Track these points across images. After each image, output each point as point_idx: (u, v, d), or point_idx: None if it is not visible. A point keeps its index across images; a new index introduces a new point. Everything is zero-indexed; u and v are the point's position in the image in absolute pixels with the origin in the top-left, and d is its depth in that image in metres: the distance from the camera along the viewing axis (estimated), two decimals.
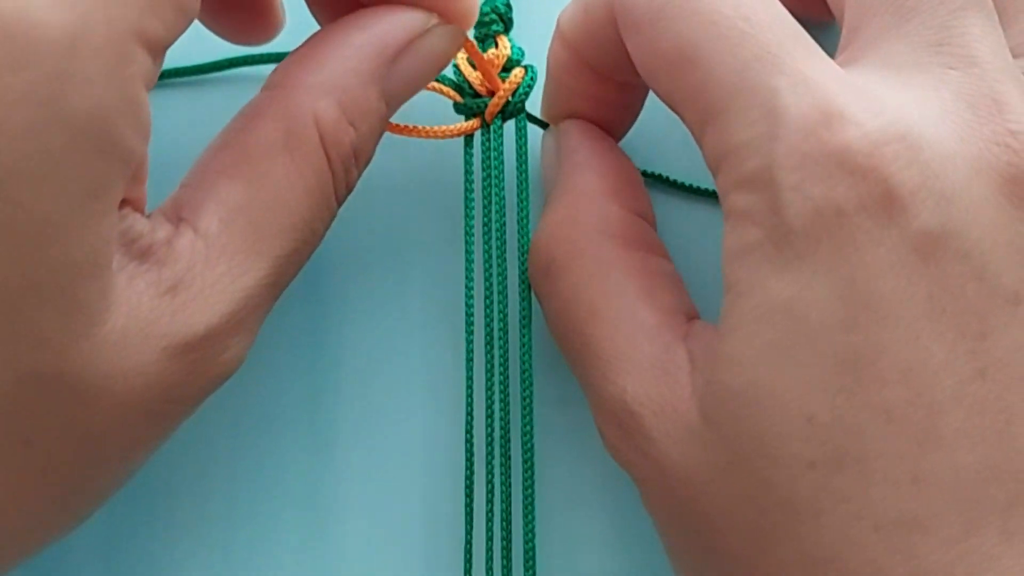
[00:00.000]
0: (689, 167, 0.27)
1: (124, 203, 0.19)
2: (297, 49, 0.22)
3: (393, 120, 0.24)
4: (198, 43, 0.26)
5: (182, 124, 0.27)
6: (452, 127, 0.26)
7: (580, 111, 0.25)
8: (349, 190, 0.23)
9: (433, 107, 0.26)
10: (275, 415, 0.26)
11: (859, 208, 0.18)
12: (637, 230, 0.23)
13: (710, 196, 0.27)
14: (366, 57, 0.22)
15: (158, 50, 0.18)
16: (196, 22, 0.21)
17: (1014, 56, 0.20)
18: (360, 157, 0.22)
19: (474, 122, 0.26)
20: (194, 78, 0.28)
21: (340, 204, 0.22)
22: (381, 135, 0.23)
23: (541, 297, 0.24)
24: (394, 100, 0.23)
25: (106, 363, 0.18)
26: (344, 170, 0.22)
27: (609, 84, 0.24)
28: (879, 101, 0.19)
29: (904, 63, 0.19)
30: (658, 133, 0.27)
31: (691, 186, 0.27)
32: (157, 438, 0.20)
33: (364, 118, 0.22)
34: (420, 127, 0.25)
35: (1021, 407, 0.18)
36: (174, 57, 0.22)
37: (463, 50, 0.26)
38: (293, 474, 0.26)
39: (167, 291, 0.19)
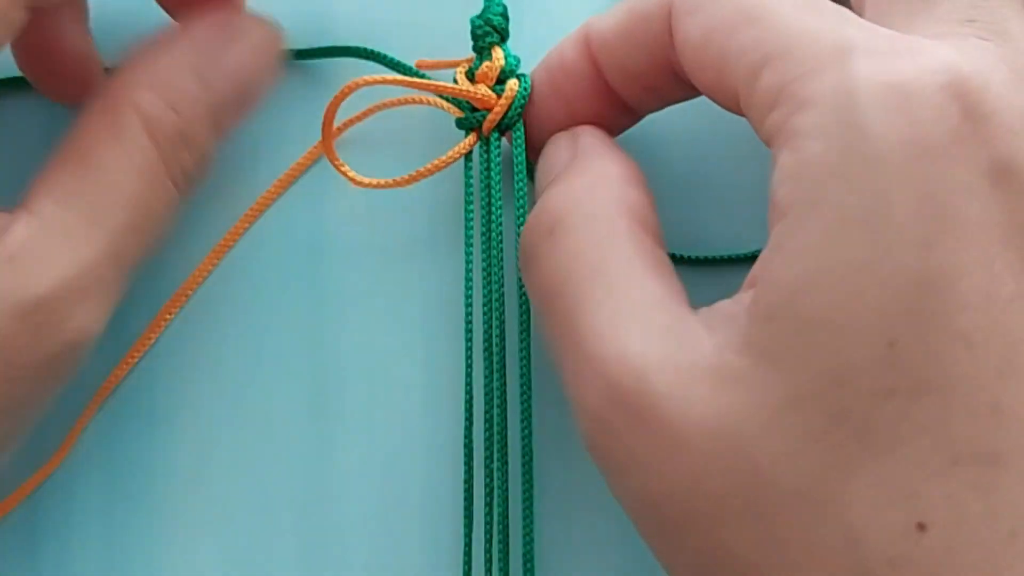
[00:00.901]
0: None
1: None
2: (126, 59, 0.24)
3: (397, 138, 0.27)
4: None
5: None
6: (454, 152, 0.26)
7: (552, 120, 0.25)
8: (187, 174, 0.24)
9: (434, 121, 0.27)
10: (274, 416, 0.26)
11: (937, 120, 0.18)
12: (652, 219, 0.23)
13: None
14: (182, 53, 0.24)
15: None
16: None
17: None
18: (191, 141, 0.24)
19: (471, 138, 0.26)
20: None
21: (182, 189, 0.24)
22: (216, 124, 0.24)
23: (535, 256, 0.23)
24: (221, 90, 0.24)
25: None
26: (173, 151, 0.23)
27: (599, 102, 0.25)
28: (942, 44, 0.19)
29: (938, 35, 0.19)
30: None
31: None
32: (17, 404, 0.21)
33: (186, 104, 0.23)
34: (427, 166, 0.26)
35: None
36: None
37: (461, 66, 0.27)
38: (292, 475, 0.26)
39: (5, 261, 0.21)
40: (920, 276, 0.17)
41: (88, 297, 0.22)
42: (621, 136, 0.26)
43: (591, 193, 0.22)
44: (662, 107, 0.25)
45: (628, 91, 0.24)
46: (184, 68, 0.24)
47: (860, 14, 0.21)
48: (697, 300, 0.21)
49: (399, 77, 0.26)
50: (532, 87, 0.26)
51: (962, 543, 0.17)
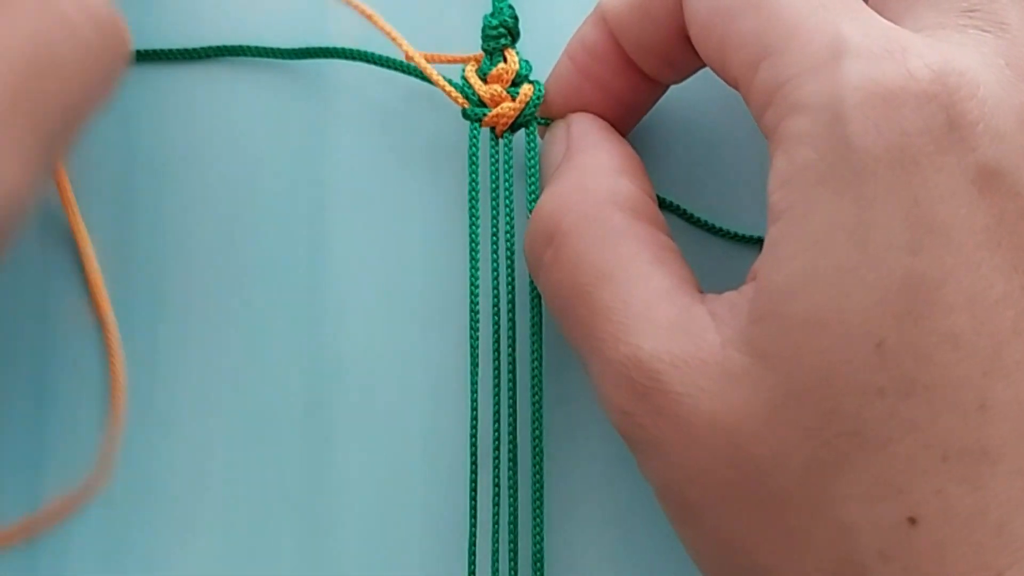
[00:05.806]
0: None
1: None
2: None
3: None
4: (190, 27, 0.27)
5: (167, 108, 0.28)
6: (459, 56, 0.27)
7: (589, 106, 0.26)
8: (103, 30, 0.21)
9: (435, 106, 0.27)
10: (274, 416, 0.26)
11: (922, 131, 0.18)
12: (647, 206, 0.23)
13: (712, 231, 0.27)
14: None
15: None
16: None
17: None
18: None
19: (478, 54, 0.27)
20: (178, 63, 0.28)
21: (98, 44, 0.21)
22: None
23: (540, 268, 0.23)
24: None
25: None
26: None
27: (630, 76, 0.25)
28: (935, 43, 0.19)
29: (938, 26, 0.20)
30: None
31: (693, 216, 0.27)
32: None
33: None
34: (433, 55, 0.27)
35: None
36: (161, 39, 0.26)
37: (471, 63, 0.27)
38: (293, 474, 0.26)
39: None
40: (905, 281, 0.18)
41: None
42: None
43: (582, 194, 0.23)
44: (684, 78, 0.26)
45: (647, 64, 0.25)
46: None
47: None
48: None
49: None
50: (561, 77, 0.26)
51: (952, 536, 0.18)
